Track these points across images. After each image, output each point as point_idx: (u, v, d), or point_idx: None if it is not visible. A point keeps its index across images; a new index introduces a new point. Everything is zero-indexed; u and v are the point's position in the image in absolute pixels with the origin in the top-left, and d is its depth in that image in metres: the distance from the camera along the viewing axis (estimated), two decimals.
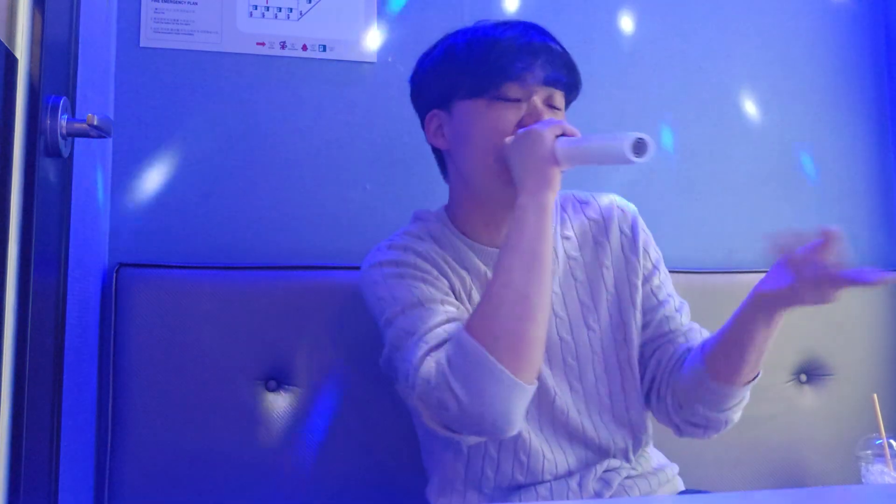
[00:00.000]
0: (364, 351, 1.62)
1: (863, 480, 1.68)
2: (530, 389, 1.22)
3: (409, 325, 1.26)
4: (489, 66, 1.33)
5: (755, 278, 1.89)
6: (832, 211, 2.10)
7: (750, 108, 2.08)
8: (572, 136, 1.29)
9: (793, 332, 1.89)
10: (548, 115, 1.35)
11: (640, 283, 1.46)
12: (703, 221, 2.01)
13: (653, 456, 1.48)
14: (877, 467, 1.66)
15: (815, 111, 2.12)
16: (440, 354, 1.21)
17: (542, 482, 1.36)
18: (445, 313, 1.27)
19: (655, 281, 1.47)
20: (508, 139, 1.31)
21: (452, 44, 1.40)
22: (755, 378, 1.35)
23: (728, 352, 1.32)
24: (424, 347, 1.22)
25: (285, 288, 1.64)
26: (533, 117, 1.33)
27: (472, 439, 1.32)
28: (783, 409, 1.87)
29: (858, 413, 1.84)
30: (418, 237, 1.40)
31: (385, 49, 1.86)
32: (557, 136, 1.28)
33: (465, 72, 1.36)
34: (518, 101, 1.34)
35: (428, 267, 1.33)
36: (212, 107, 1.77)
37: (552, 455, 1.36)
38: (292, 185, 1.79)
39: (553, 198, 1.28)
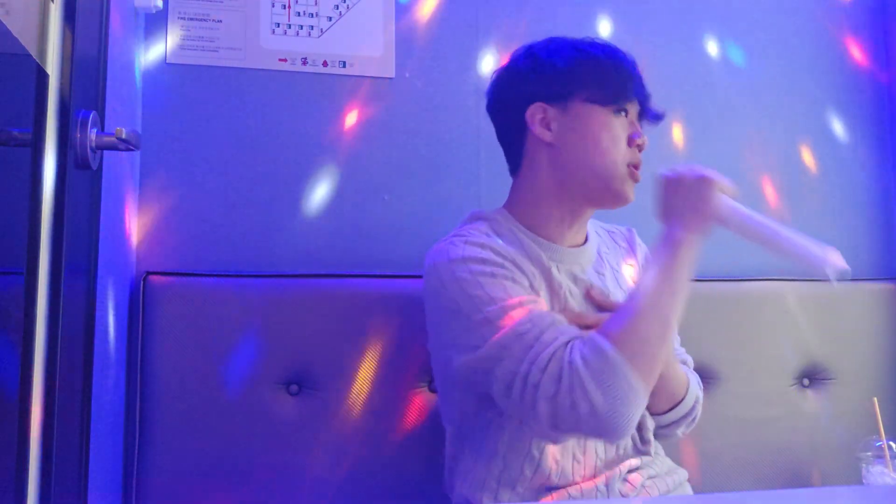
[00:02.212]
0: (383, 355, 1.62)
1: (863, 481, 1.66)
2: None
3: (518, 326, 1.23)
4: (621, 80, 1.37)
5: (760, 286, 1.91)
6: (833, 220, 2.08)
7: (752, 117, 2.05)
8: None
9: (796, 339, 1.89)
10: None
11: None
12: None
13: (666, 459, 1.47)
14: (877, 468, 1.65)
15: (815, 120, 2.10)
16: (571, 356, 1.19)
17: (573, 484, 1.34)
18: (550, 315, 1.26)
19: None
20: (666, 171, 1.33)
21: (581, 49, 1.40)
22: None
23: None
24: (548, 349, 1.20)
25: (307, 295, 1.63)
26: (637, 135, 1.38)
27: (564, 438, 1.31)
28: (786, 413, 1.85)
29: (859, 416, 1.82)
30: (487, 234, 1.38)
31: (403, 65, 1.85)
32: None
33: (598, 79, 1.37)
34: (627, 116, 1.39)
35: (512, 266, 1.31)
36: (235, 120, 1.75)
37: (582, 457, 1.35)
38: (313, 197, 1.77)
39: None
